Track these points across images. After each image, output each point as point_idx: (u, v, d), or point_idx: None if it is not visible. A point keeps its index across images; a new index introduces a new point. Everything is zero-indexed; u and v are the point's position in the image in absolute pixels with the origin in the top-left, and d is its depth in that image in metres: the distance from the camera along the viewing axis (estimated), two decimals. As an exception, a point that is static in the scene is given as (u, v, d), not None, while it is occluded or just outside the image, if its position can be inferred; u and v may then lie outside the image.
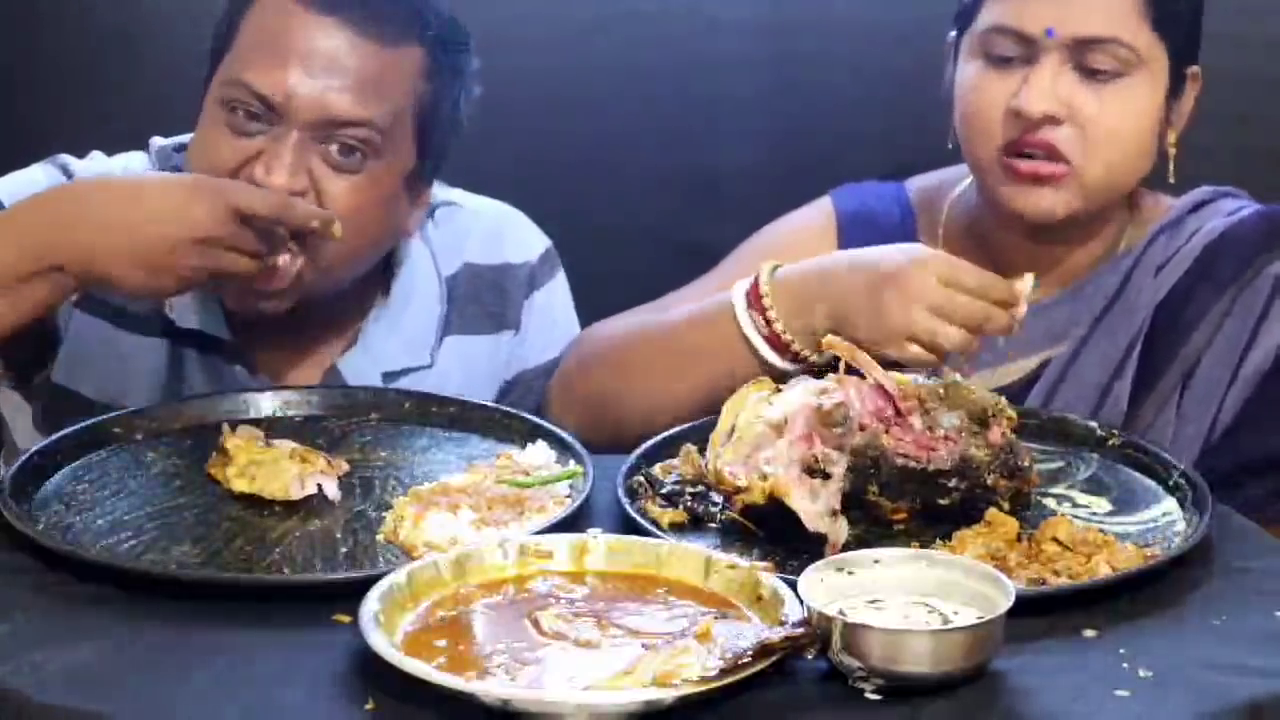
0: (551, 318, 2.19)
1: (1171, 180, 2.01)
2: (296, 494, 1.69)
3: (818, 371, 1.75)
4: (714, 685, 1.33)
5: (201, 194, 1.81)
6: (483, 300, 2.15)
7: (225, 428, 1.77)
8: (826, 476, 1.59)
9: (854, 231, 2.07)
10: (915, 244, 1.92)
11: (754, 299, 1.87)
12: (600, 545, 1.54)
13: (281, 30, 1.93)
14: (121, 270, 1.79)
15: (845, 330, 1.79)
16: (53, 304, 1.84)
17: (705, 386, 1.87)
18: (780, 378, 1.72)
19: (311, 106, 1.91)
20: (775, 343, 1.86)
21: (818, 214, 2.12)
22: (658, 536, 1.59)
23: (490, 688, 1.34)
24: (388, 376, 2.08)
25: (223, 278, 1.86)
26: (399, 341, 2.10)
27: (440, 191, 2.17)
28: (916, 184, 2.13)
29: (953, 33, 2.02)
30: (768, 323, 1.85)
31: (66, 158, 2.08)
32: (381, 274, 2.10)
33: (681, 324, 1.95)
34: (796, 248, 2.04)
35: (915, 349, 1.79)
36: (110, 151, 2.13)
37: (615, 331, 2.04)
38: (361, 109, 1.93)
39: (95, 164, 2.09)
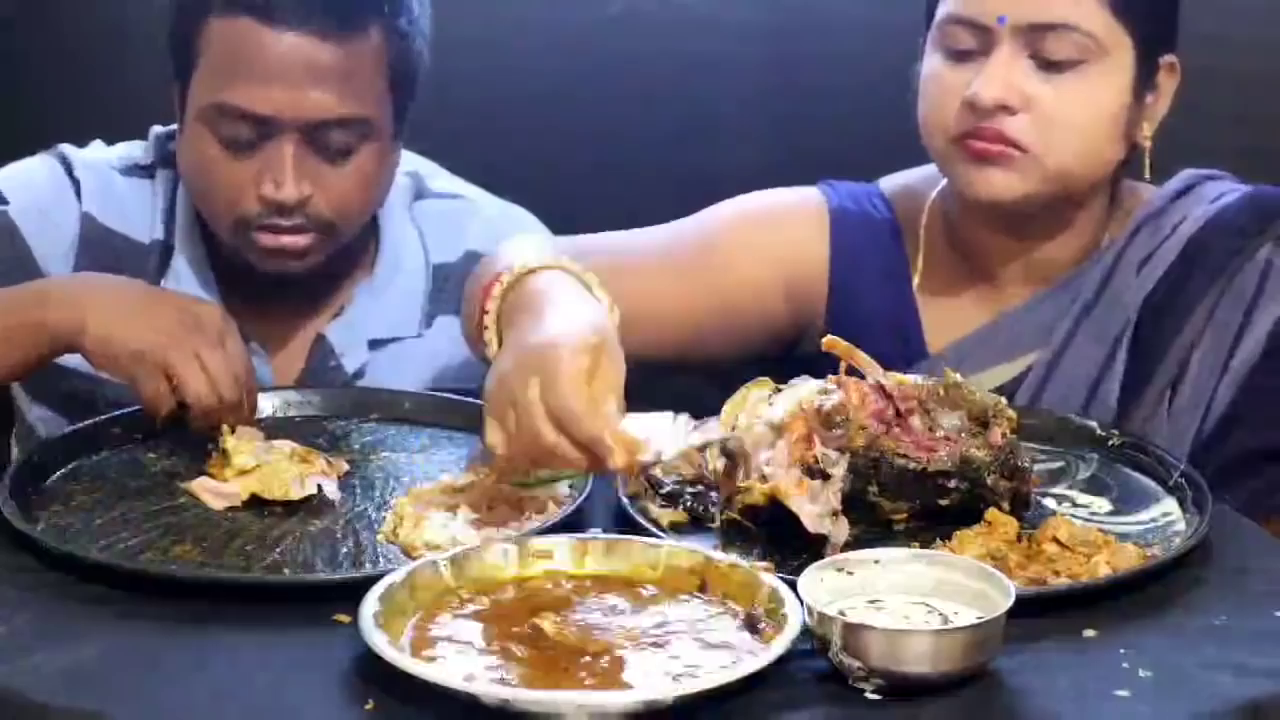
0: None
1: (1147, 177, 1.97)
2: (296, 494, 1.69)
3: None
4: (713, 685, 1.33)
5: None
6: None
7: (225, 428, 1.77)
8: (826, 477, 1.59)
9: (845, 227, 2.05)
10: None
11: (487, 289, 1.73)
12: (600, 545, 1.54)
13: (249, 49, 1.95)
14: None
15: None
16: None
17: None
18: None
19: (299, 115, 1.95)
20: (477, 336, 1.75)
21: (807, 202, 2.07)
22: (658, 536, 1.59)
23: (490, 688, 1.33)
24: (374, 344, 2.11)
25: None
26: (384, 313, 2.13)
27: (451, 184, 2.22)
28: (888, 184, 2.10)
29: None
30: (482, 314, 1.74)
31: (66, 147, 2.12)
32: (367, 250, 2.13)
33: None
34: (786, 227, 2.04)
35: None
36: (109, 141, 2.18)
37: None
38: (346, 107, 1.96)
39: (95, 152, 2.14)
